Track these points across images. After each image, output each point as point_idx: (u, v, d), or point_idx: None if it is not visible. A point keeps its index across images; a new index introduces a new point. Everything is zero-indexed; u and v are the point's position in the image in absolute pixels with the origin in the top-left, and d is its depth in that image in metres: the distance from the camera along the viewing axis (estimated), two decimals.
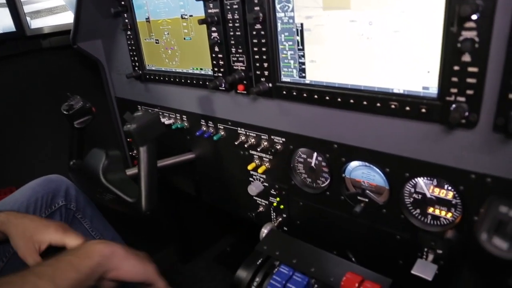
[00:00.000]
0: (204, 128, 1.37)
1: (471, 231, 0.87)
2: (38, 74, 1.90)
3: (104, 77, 1.79)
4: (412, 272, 0.92)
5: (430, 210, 0.93)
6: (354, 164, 1.02)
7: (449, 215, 0.91)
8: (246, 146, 1.22)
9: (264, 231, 1.18)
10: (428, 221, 0.94)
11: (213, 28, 1.15)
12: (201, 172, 1.50)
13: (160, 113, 1.55)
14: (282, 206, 1.23)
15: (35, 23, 1.77)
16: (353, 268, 0.93)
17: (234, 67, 1.15)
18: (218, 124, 1.31)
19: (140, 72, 1.54)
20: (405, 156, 0.90)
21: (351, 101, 0.92)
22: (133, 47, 1.53)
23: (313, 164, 1.11)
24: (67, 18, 1.85)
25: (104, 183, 1.13)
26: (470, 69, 0.73)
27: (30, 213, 1.39)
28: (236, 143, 1.24)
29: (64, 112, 1.34)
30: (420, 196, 0.93)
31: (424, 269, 0.92)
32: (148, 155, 1.04)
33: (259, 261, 1.03)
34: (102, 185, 1.14)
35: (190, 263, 2.27)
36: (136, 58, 1.54)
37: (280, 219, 1.25)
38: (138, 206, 1.07)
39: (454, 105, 0.77)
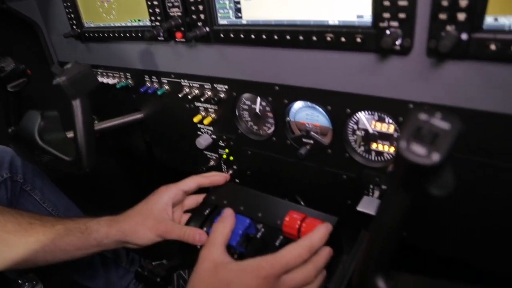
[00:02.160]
0: (148, 84, 1.31)
1: None
2: None
3: (43, 40, 1.68)
4: (358, 209, 0.92)
5: (374, 146, 0.92)
6: (297, 105, 1.00)
7: (392, 149, 0.90)
8: (190, 97, 1.17)
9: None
10: (372, 158, 0.94)
11: None
12: (151, 131, 1.45)
13: (104, 73, 1.48)
14: (231, 158, 1.20)
15: None
16: (299, 209, 0.92)
17: (171, 14, 1.09)
18: (162, 78, 1.25)
19: (79, 30, 1.45)
20: (344, 91, 0.88)
21: (288, 37, 0.88)
22: (68, 3, 1.43)
23: (257, 110, 1.08)
24: None
25: (40, 143, 1.07)
26: None
27: None
28: (180, 95, 1.19)
29: None
30: (363, 132, 0.92)
31: (369, 205, 0.93)
32: (82, 109, 0.98)
33: (207, 211, 1.01)
34: (38, 146, 1.08)
35: None
36: (72, 16, 1.44)
37: (231, 171, 1.22)
38: (76, 164, 1.02)
39: (388, 31, 0.75)
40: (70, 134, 1.19)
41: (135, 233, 0.96)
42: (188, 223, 1.01)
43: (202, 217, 0.99)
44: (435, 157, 0.46)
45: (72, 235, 0.97)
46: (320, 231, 0.82)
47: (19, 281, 1.71)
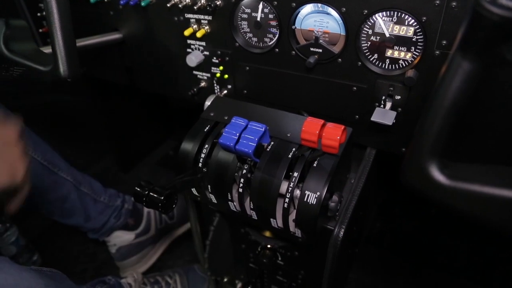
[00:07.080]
0: None
1: (431, 68, 0.81)
2: None
3: None
4: (372, 119, 0.87)
5: (389, 53, 0.85)
6: (305, 10, 0.90)
7: (408, 55, 0.84)
8: (180, 7, 1.05)
9: (208, 103, 1.06)
10: (386, 66, 0.87)
11: None
12: (132, 54, 1.31)
13: None
14: (226, 76, 1.10)
15: None
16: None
17: None
18: None
19: None
20: None
21: None
22: None
23: (258, 19, 0.97)
24: None
25: (7, 54, 0.93)
26: None
27: None
28: (168, 5, 1.06)
29: None
30: (378, 38, 0.85)
31: (383, 115, 0.87)
32: (57, 2, 0.82)
33: (206, 128, 0.92)
34: (5, 57, 0.93)
35: (132, 171, 2.14)
36: None
37: (225, 91, 1.13)
38: (55, 73, 0.88)
39: None
40: (47, 50, 1.04)
41: None
42: (184, 144, 0.92)
43: (201, 135, 0.91)
44: None
45: None
46: None
47: None
